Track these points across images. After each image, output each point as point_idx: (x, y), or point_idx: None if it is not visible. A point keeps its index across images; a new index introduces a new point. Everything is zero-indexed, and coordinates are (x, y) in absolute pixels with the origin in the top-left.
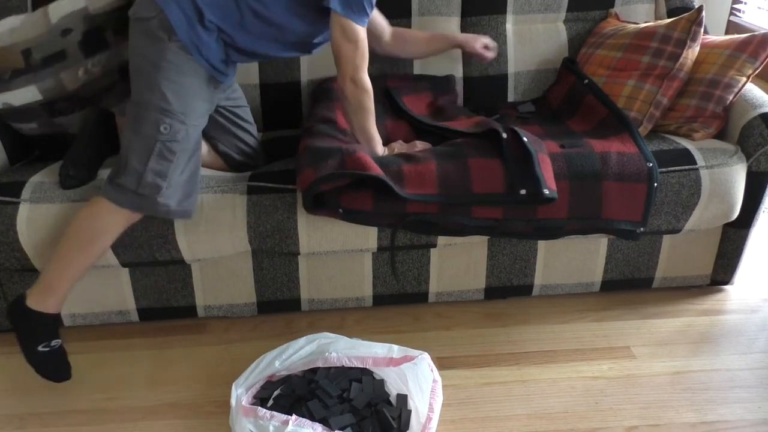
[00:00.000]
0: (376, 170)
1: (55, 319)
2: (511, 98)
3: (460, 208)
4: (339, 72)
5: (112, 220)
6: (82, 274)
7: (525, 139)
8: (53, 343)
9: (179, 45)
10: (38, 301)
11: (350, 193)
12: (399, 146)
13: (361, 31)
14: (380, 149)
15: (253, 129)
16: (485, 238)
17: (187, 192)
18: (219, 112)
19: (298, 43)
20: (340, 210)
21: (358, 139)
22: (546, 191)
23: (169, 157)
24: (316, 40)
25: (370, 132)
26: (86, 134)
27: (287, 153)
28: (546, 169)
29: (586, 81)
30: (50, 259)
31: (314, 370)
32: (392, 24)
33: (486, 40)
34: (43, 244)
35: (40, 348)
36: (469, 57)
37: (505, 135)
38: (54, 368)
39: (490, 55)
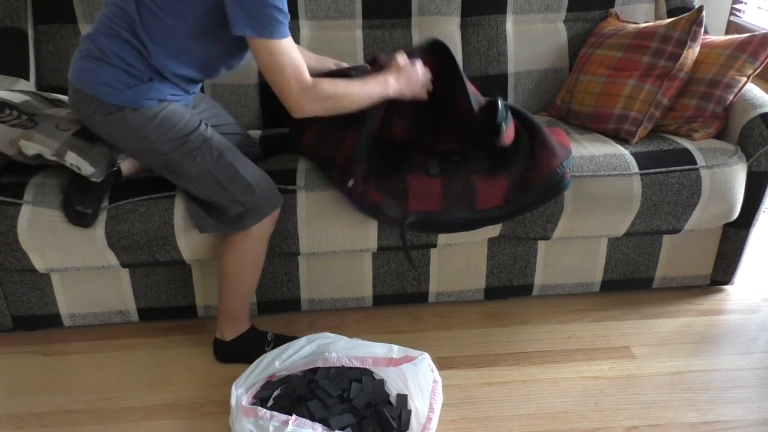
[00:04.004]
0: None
1: (253, 331)
2: (511, 98)
3: (464, 206)
4: (283, 99)
5: (253, 241)
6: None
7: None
8: (269, 337)
9: (132, 110)
10: (233, 330)
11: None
12: (401, 61)
13: (285, 43)
14: (391, 87)
15: (237, 128)
16: (485, 238)
17: (266, 175)
18: None
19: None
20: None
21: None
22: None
23: (229, 167)
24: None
25: (372, 94)
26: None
27: (284, 149)
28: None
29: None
30: (226, 298)
31: (314, 370)
32: (392, 23)
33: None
34: (43, 245)
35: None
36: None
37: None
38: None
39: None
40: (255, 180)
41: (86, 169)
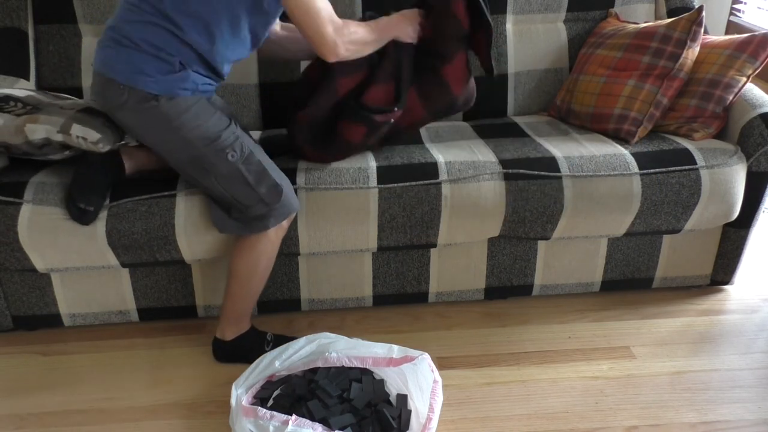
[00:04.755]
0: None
1: (253, 331)
2: (511, 98)
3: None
4: (321, 44)
5: (269, 243)
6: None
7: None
8: (268, 337)
9: (168, 99)
10: (234, 330)
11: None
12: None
13: None
14: (410, 28)
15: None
16: (485, 238)
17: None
18: None
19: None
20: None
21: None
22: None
23: (258, 166)
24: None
25: (390, 34)
26: (90, 164)
27: (284, 149)
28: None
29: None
30: (233, 299)
31: (314, 370)
32: None
33: None
34: (43, 245)
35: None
36: None
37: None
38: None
39: None
40: (281, 180)
41: (92, 136)
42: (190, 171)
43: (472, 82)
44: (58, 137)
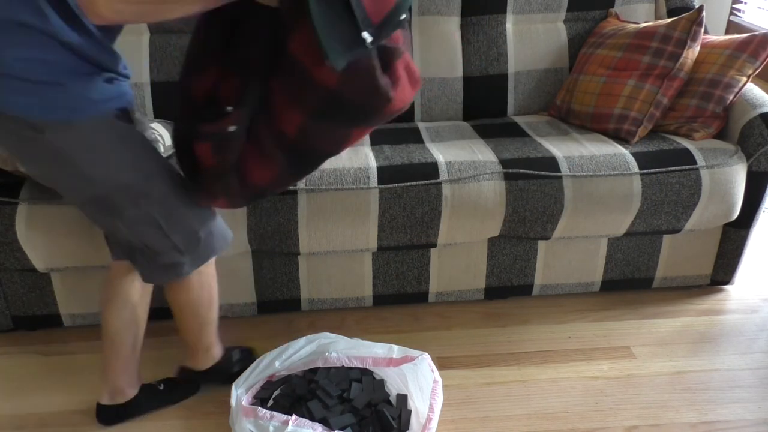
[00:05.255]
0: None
1: (227, 353)
2: (511, 98)
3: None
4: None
5: (199, 285)
6: (217, 312)
7: None
8: (243, 356)
9: (53, 126)
10: (205, 359)
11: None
12: None
13: None
14: None
15: None
16: (485, 238)
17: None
18: None
19: None
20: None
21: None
22: None
23: (175, 208)
24: None
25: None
26: None
27: None
28: None
29: None
30: (193, 333)
31: (314, 370)
32: None
33: None
34: (42, 244)
35: (236, 369)
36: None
37: None
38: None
39: None
40: (201, 223)
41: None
42: (89, 210)
43: (370, 71)
44: None
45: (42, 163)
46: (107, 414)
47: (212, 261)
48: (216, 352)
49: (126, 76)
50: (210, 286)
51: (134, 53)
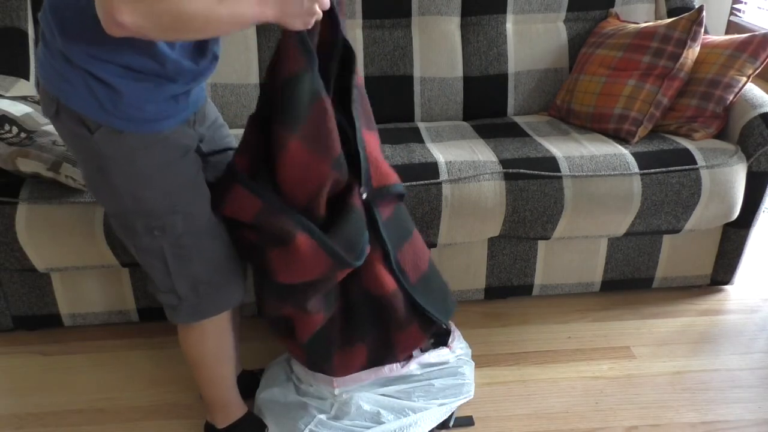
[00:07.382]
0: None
1: (249, 415)
2: (511, 98)
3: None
4: (98, 11)
5: (205, 335)
6: (232, 371)
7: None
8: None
9: (105, 130)
10: (224, 416)
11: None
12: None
13: None
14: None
15: (231, 140)
16: (485, 238)
17: (232, 268)
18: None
19: None
20: None
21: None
22: None
23: (189, 251)
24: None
25: (239, 12)
26: None
27: None
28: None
29: None
30: (203, 387)
31: None
32: (392, 23)
33: None
34: (42, 244)
35: None
36: None
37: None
38: None
39: None
40: (209, 274)
41: (81, 178)
42: (114, 225)
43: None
44: (48, 174)
45: (84, 165)
46: None
47: (224, 315)
48: (234, 411)
49: (186, 107)
50: (218, 340)
51: None
